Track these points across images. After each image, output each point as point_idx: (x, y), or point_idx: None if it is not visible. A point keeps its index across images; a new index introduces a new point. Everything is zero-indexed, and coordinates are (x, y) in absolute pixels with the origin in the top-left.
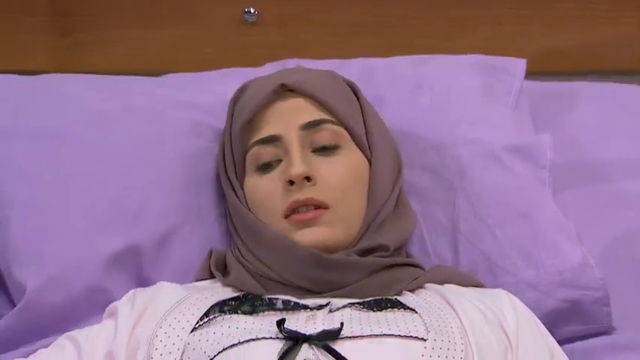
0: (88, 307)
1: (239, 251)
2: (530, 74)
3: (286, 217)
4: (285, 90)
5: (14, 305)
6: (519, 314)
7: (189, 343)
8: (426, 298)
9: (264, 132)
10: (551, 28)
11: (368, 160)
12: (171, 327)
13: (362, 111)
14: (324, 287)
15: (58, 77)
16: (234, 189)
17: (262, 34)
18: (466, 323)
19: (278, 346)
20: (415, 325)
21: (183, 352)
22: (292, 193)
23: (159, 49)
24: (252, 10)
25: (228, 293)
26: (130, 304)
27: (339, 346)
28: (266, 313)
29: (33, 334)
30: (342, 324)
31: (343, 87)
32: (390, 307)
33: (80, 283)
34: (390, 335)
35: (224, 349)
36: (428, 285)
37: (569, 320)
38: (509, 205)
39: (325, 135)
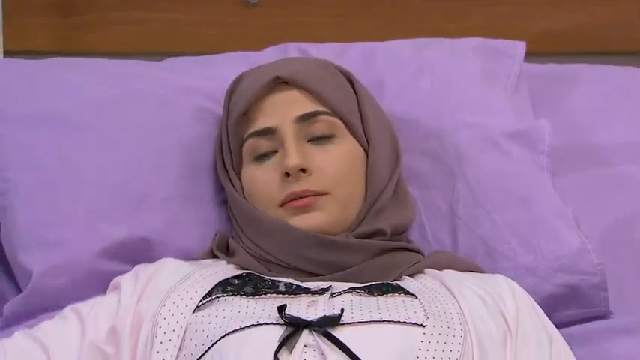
0: (92, 291)
1: (240, 238)
2: (530, 55)
3: (282, 205)
4: (279, 82)
5: (20, 289)
6: (518, 299)
7: (190, 324)
8: (425, 284)
9: (260, 124)
10: (550, 10)
11: (365, 148)
12: (175, 304)
13: (358, 99)
14: (325, 269)
15: (61, 62)
16: (230, 179)
17: (264, 16)
18: (465, 309)
19: (279, 331)
20: (415, 311)
21: (185, 332)
22: (289, 184)
23: (160, 31)
24: None
25: (231, 271)
26: (133, 279)
27: (339, 332)
28: (268, 295)
29: (39, 316)
30: (342, 310)
31: (338, 76)
32: (390, 292)
33: (84, 270)
34: (389, 321)
35: (226, 334)
36: (427, 270)
37: (567, 305)
38: (508, 191)
39: (320, 126)
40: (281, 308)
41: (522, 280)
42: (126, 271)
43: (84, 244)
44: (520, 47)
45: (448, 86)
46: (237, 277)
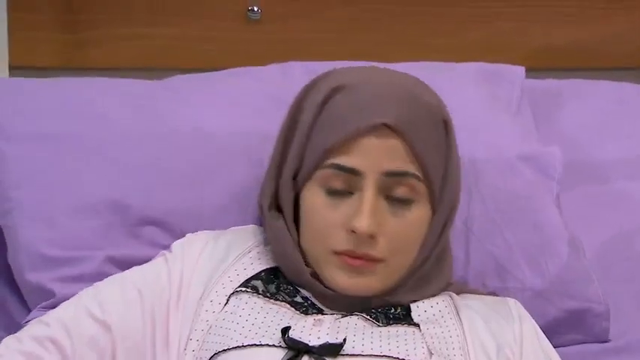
0: None
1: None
2: (529, 71)
3: (335, 253)
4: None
5: (23, 300)
6: (525, 329)
7: (217, 320)
8: (438, 309)
9: (347, 161)
10: (548, 26)
11: (433, 209)
12: (209, 301)
13: (446, 158)
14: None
15: (65, 81)
16: (281, 186)
17: (265, 32)
18: (470, 346)
19: (279, 355)
20: (415, 348)
21: (210, 327)
22: (351, 240)
23: (163, 47)
24: (255, 9)
25: (266, 262)
26: (179, 260)
27: None
28: (283, 304)
29: None
30: (345, 339)
31: (439, 127)
32: (395, 322)
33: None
34: (389, 357)
35: (227, 349)
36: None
37: (569, 330)
38: (521, 212)
39: (404, 189)
40: (284, 331)
41: (529, 302)
42: None
43: (88, 263)
44: (519, 72)
45: (459, 109)
46: (267, 271)
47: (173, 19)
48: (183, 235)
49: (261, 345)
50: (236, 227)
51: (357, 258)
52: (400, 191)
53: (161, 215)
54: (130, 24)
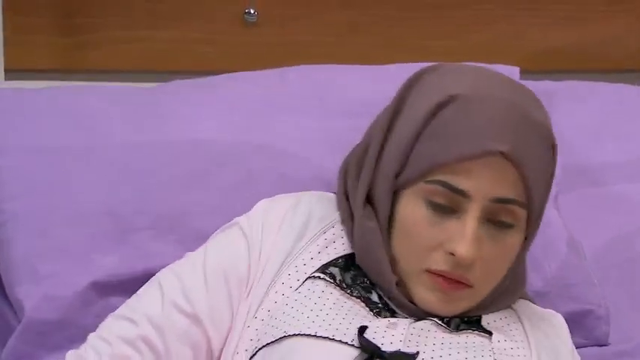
0: (87, 324)
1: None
2: (526, 73)
3: (428, 271)
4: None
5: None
6: (573, 348)
7: (289, 297)
8: (508, 323)
9: (457, 181)
10: (546, 28)
11: (526, 234)
12: (282, 284)
13: (550, 185)
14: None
15: (58, 89)
16: (377, 184)
17: (262, 35)
18: None
19: (351, 354)
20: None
21: (280, 307)
22: (448, 262)
23: (160, 50)
24: (252, 11)
25: (345, 247)
26: (258, 228)
27: None
28: (357, 300)
29: (37, 354)
30: (417, 353)
31: (549, 153)
32: (465, 329)
33: (77, 302)
34: None
35: (300, 334)
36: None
37: (570, 333)
38: None
39: (508, 214)
40: (361, 330)
41: None
42: (119, 301)
43: (77, 276)
44: (514, 72)
45: None
46: (345, 257)
47: (170, 23)
48: (176, 240)
49: (334, 340)
50: (313, 192)
51: (451, 280)
52: (504, 215)
53: (153, 222)
54: (127, 27)
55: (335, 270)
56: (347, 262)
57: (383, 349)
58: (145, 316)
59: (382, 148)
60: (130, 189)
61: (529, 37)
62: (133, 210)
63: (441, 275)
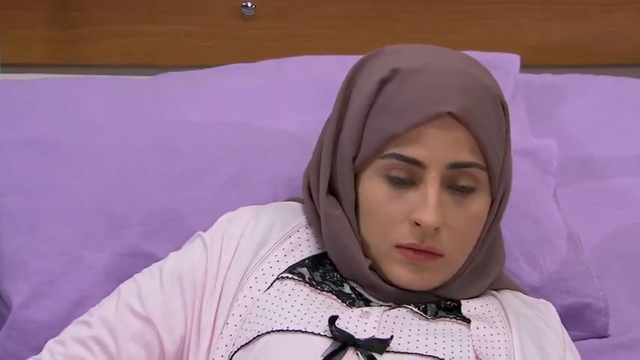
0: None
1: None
2: (525, 67)
3: (398, 247)
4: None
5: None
6: (566, 339)
7: (259, 300)
8: (490, 310)
9: (411, 151)
10: (545, 23)
11: (492, 197)
12: (254, 281)
13: (505, 143)
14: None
15: (51, 82)
16: (336, 171)
17: (260, 28)
18: (518, 357)
19: (324, 344)
20: (461, 350)
21: (251, 310)
22: (415, 233)
23: (157, 44)
24: (249, 4)
25: (313, 247)
26: (218, 244)
27: (383, 359)
28: (328, 294)
29: (22, 353)
30: (391, 337)
31: (499, 111)
32: (444, 316)
33: (66, 300)
34: (435, 357)
35: (273, 331)
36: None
37: (568, 326)
38: (519, 207)
39: (468, 178)
40: (332, 320)
41: None
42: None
43: (66, 272)
44: (515, 61)
45: None
46: (312, 259)
47: (167, 16)
48: (168, 240)
49: (306, 332)
50: (277, 203)
51: (420, 251)
52: (464, 180)
53: (145, 219)
54: (124, 21)
55: (303, 270)
56: (315, 262)
57: (357, 337)
58: (100, 318)
59: (337, 136)
60: (122, 186)
61: (529, 32)
62: (124, 207)
63: (410, 248)
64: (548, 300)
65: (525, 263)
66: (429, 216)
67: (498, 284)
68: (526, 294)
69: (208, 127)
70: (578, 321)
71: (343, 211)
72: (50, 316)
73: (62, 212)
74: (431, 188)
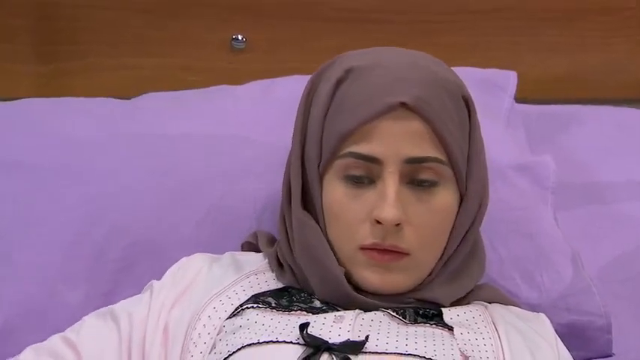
0: None
1: (287, 254)
2: (520, 101)
3: (362, 249)
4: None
5: None
6: (560, 347)
7: (224, 326)
8: (474, 316)
9: (365, 148)
10: (544, 55)
11: (461, 193)
12: (212, 312)
13: (470, 137)
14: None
15: (32, 103)
16: (308, 181)
17: (250, 61)
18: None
19: (297, 352)
20: (444, 349)
21: (218, 333)
22: (377, 232)
23: (146, 77)
24: (240, 37)
25: (274, 283)
26: (170, 285)
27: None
28: (299, 312)
29: None
30: (367, 337)
31: (460, 106)
32: (423, 321)
33: (40, 334)
34: (417, 356)
35: (243, 347)
36: (475, 302)
37: (570, 345)
38: (514, 224)
39: (428, 172)
40: (303, 327)
41: None
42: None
43: (39, 305)
44: (512, 78)
45: None
46: (276, 290)
47: (157, 49)
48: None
49: (278, 342)
50: (233, 252)
51: (385, 251)
52: (424, 174)
53: (124, 250)
54: (110, 54)
55: (268, 299)
56: (277, 293)
57: (331, 342)
58: (33, 347)
59: (304, 144)
60: (103, 213)
61: (526, 65)
62: (103, 237)
63: (374, 249)
64: (549, 318)
65: (522, 280)
66: (387, 211)
67: (490, 297)
68: (519, 307)
69: (191, 153)
70: (581, 340)
71: (317, 222)
72: (18, 351)
73: (38, 240)
74: (389, 183)
